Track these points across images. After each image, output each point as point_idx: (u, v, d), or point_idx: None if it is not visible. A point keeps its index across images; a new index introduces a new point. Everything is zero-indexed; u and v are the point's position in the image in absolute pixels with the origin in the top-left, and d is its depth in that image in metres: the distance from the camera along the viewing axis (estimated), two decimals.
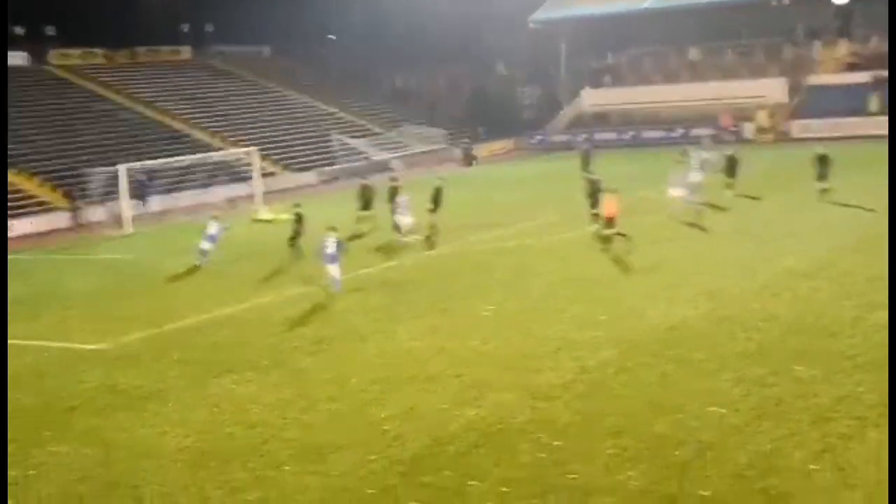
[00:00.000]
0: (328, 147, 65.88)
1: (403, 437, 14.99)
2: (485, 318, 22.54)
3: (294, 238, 32.58)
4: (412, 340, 20.97)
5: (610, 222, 30.48)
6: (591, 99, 78.35)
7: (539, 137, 76.37)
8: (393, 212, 35.41)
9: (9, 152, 53.55)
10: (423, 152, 68.59)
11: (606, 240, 30.48)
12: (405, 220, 34.41)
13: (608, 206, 30.71)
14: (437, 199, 36.58)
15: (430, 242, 34.06)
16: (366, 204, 39.02)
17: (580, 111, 78.57)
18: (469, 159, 68.09)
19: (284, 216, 42.35)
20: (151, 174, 51.37)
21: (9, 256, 39.27)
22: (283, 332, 22.74)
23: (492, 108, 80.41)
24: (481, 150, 71.45)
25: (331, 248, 26.38)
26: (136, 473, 14.40)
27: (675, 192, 36.16)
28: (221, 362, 20.32)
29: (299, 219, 32.97)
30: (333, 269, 26.45)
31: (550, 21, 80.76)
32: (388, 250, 33.21)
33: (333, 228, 26.94)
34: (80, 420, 17.12)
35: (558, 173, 55.19)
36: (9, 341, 23.44)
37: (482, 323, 22.12)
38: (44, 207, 50.40)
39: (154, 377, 19.61)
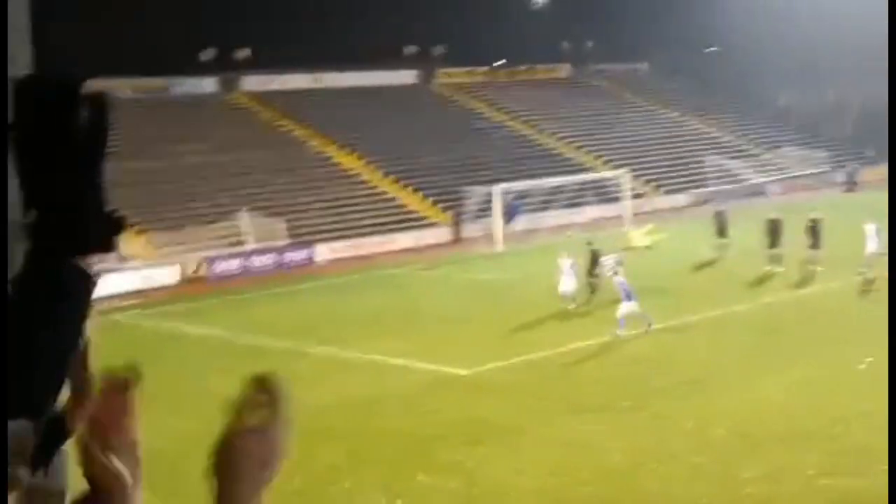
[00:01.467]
0: (701, 168, 64.56)
1: (767, 502, 14.25)
2: (861, 372, 21.04)
3: (590, 273, 30.95)
4: (782, 392, 19.95)
5: None
6: None
7: None
8: (772, 245, 34.26)
9: (396, 169, 56.89)
10: (802, 176, 65.56)
11: None
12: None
13: None
14: (815, 233, 34.67)
15: (805, 279, 32.40)
16: (721, 231, 38.47)
17: None
18: (852, 185, 64.27)
19: (653, 239, 42.07)
20: (519, 195, 52.37)
21: (388, 271, 41.51)
22: (641, 371, 22.37)
23: (884, 130, 75.34)
24: (867, 173, 67.20)
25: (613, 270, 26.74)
26: None
27: None
28: (577, 400, 20.30)
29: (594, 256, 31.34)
30: (627, 307, 25.70)
31: None
32: (758, 284, 31.93)
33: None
34: (445, 450, 17.66)
35: None
36: (376, 356, 24.70)
37: (859, 377, 20.66)
38: (424, 223, 52.94)
39: (513, 410, 19.91)
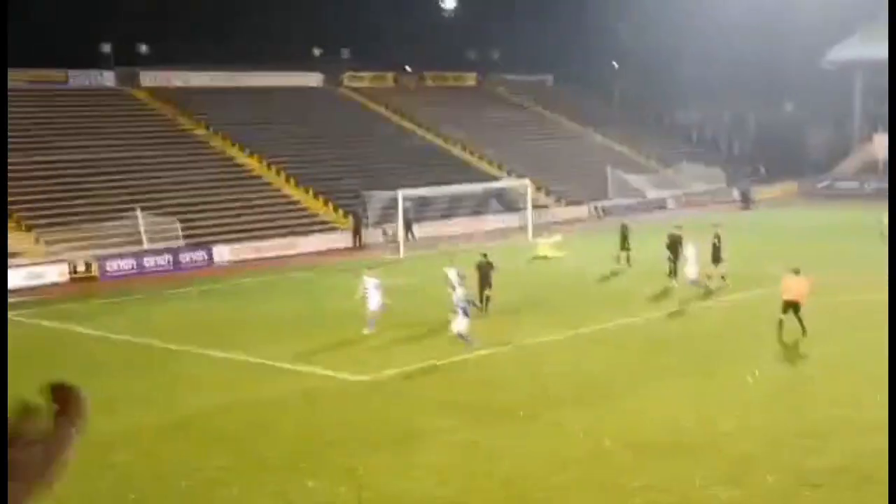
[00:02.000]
0: (602, 181, 65.40)
1: None
2: (751, 386, 21.40)
3: (481, 289, 30.29)
4: (672, 404, 20.17)
5: None
6: (885, 144, 74.00)
7: (825, 182, 72.83)
8: (673, 260, 34.49)
9: (299, 172, 56.38)
10: (700, 193, 66.89)
11: None
12: (692, 269, 33.41)
13: None
14: (717, 249, 35.10)
15: (706, 293, 32.93)
16: (623, 242, 39.12)
17: (872, 157, 74.35)
18: (747, 202, 65.72)
19: (560, 253, 42.39)
20: (421, 203, 52.25)
21: (289, 274, 41.07)
22: (544, 379, 22.44)
23: (775, 148, 77.49)
24: (761, 192, 68.87)
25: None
26: None
27: None
28: (481, 407, 20.26)
29: (483, 269, 30.73)
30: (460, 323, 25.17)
31: (847, 62, 76.90)
32: (658, 299, 32.40)
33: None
34: (338, 456, 17.43)
35: (847, 224, 52.02)
36: (275, 361, 24.40)
37: (748, 391, 21.01)
38: (327, 227, 52.52)
39: (409, 416, 19.78)
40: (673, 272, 34.43)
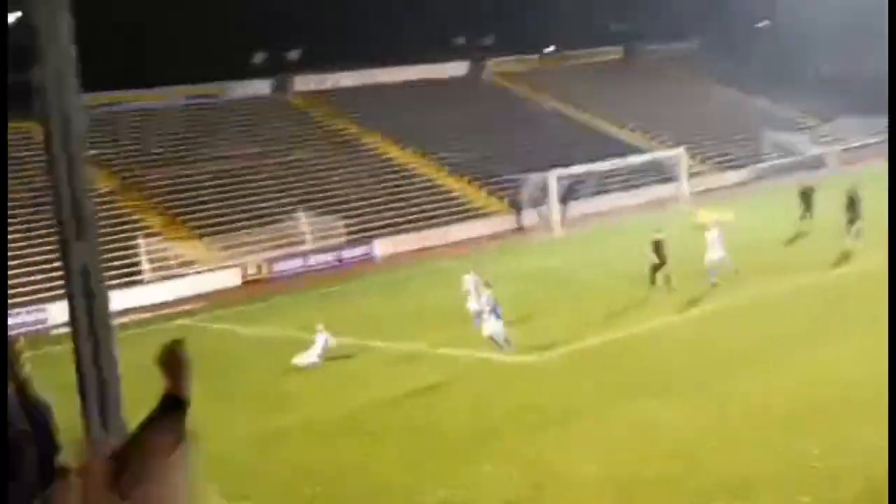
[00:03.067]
0: (757, 144, 63.89)
1: (836, 476, 14.12)
2: None
3: (656, 268, 29.71)
4: (840, 362, 19.76)
5: None
6: None
7: None
8: (852, 220, 32.71)
9: (452, 161, 57.06)
10: (862, 146, 64.54)
11: None
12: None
13: None
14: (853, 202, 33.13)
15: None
16: (807, 208, 37.74)
17: None
18: None
19: (727, 216, 41.07)
20: (575, 181, 52.25)
21: (448, 263, 41.63)
22: (700, 352, 22.25)
23: None
24: None
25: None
26: (562, 501, 14.67)
27: None
28: (637, 384, 20.26)
29: (658, 247, 29.98)
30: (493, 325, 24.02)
31: None
32: (836, 260, 31.43)
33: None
34: (508, 439, 17.72)
35: None
36: (441, 349, 24.91)
37: None
38: (482, 213, 53.02)
39: (575, 396, 19.93)
40: (855, 230, 32.68)
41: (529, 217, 50.87)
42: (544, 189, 49.22)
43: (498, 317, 24.09)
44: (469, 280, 27.57)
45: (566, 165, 51.13)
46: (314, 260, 45.82)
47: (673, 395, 18.99)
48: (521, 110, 67.34)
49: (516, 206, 52.05)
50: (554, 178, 48.41)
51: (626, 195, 53.75)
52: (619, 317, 26.90)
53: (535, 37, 77.50)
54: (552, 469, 15.97)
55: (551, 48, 79.48)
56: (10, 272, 40.61)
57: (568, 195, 51.46)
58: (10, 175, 45.33)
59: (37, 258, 39.42)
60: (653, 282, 29.41)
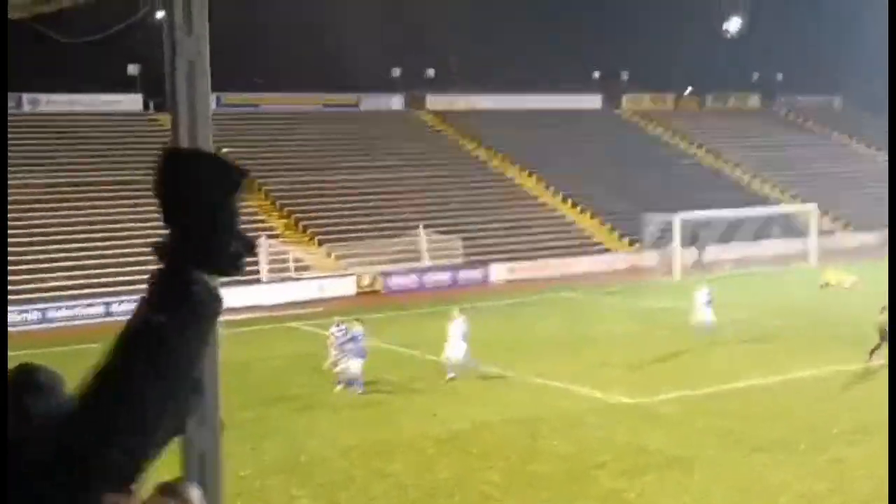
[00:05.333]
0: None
1: None
2: None
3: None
4: None
5: None
6: None
7: None
8: None
9: (576, 193, 56.74)
10: None
11: None
12: None
13: None
14: None
15: None
16: None
17: None
18: None
19: (848, 279, 39.80)
20: (705, 226, 51.40)
21: (562, 294, 41.30)
22: (822, 412, 21.51)
23: None
24: None
25: None
26: None
27: None
28: (753, 437, 19.68)
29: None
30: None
31: None
32: None
33: None
34: (606, 477, 17.43)
35: None
36: (544, 380, 24.66)
37: None
38: (601, 248, 52.56)
39: (682, 442, 19.48)
40: None
41: (650, 258, 50.16)
42: (668, 231, 48.49)
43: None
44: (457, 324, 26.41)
45: (693, 209, 50.30)
46: (429, 278, 45.98)
47: (790, 454, 18.37)
48: (652, 149, 66.60)
49: (638, 246, 51.40)
50: (678, 221, 47.66)
51: (752, 246, 52.52)
52: (737, 366, 26.22)
53: (673, 76, 76.70)
54: None
55: (689, 89, 78.54)
56: (130, 261, 41.73)
57: (692, 240, 50.58)
58: (138, 163, 46.82)
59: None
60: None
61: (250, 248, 1.99)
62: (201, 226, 1.91)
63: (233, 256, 1.94)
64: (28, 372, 3.48)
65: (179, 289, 1.88)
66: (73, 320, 37.86)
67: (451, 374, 25.51)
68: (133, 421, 1.85)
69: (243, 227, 1.99)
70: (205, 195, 1.92)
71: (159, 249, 1.92)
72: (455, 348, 25.67)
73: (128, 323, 1.93)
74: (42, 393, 3.39)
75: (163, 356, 1.86)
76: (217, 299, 1.95)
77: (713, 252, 51.46)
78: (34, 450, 1.95)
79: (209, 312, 1.93)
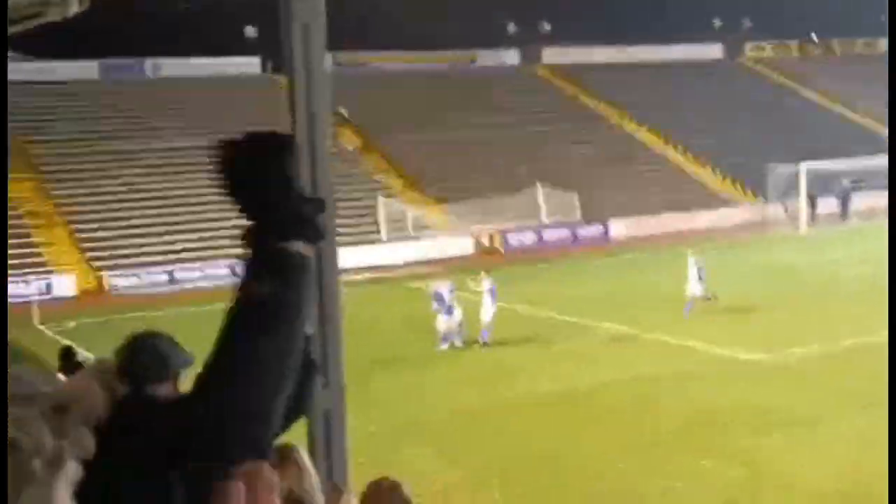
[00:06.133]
0: None
1: None
2: None
3: None
4: None
5: None
6: None
7: None
8: None
9: (697, 146, 55.62)
10: None
11: None
12: None
13: None
14: None
15: None
16: None
17: None
18: None
19: None
20: (854, 178, 49.83)
21: (684, 250, 40.54)
22: None
23: None
24: None
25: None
26: None
27: None
28: (881, 395, 19.03)
29: None
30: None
31: None
32: None
33: None
34: (731, 436, 17.11)
35: None
36: (666, 337, 24.30)
37: None
38: (725, 202, 51.49)
39: (808, 400, 19.00)
40: None
41: (775, 210, 48.91)
42: (793, 182, 47.16)
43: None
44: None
45: (818, 159, 48.80)
46: (548, 235, 45.73)
47: None
48: (776, 98, 64.73)
49: (761, 198, 50.17)
50: (804, 172, 46.29)
51: (883, 196, 50.75)
52: (861, 322, 25.40)
53: (796, 23, 74.31)
54: (774, 473, 15.28)
55: (812, 35, 76.01)
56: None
57: (819, 190, 49.11)
58: (258, 125, 47.41)
59: None
60: None
61: (321, 207, 2.17)
62: (276, 200, 2.09)
63: (310, 221, 2.12)
64: (147, 338, 3.50)
65: (275, 261, 2.05)
66: (199, 282, 38.78)
67: (482, 340, 25.33)
68: (258, 390, 1.99)
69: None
70: (272, 172, 2.11)
71: (246, 232, 2.11)
72: (487, 311, 25.51)
73: (234, 300, 2.10)
74: (162, 362, 3.40)
75: (272, 324, 2.01)
76: (308, 265, 2.10)
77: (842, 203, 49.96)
78: (162, 427, 2.07)
79: (304, 279, 2.09)
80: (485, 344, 25.02)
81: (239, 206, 2.14)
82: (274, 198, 2.09)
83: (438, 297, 25.11)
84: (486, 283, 25.81)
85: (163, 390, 3.26)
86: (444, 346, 24.91)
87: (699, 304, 27.28)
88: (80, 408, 1.23)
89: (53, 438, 1.17)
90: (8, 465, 1.13)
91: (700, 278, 27.68)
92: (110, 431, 1.66)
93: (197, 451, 1.95)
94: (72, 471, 1.21)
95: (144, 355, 3.37)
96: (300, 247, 2.08)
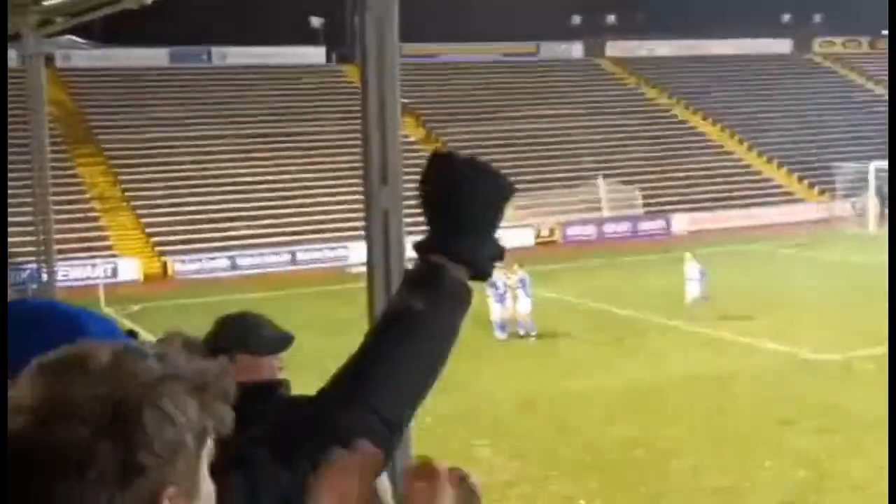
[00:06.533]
0: None
1: None
2: None
3: None
4: None
5: None
6: None
7: None
8: None
9: (762, 141, 54.91)
10: None
11: None
12: None
13: None
14: None
15: None
16: None
17: None
18: None
19: None
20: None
21: (748, 246, 40.11)
22: None
23: None
24: None
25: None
26: None
27: None
28: None
29: None
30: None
31: None
32: None
33: None
34: (797, 437, 16.87)
35: None
36: (730, 334, 24.02)
37: None
38: (790, 198, 50.80)
39: (874, 401, 18.62)
40: None
41: (843, 209, 48.13)
42: (863, 180, 46.35)
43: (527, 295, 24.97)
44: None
45: (888, 157, 47.97)
46: (609, 228, 45.45)
47: None
48: (846, 95, 63.69)
49: (829, 196, 49.40)
50: (874, 170, 45.47)
51: None
52: None
53: (868, 18, 72.97)
54: (841, 475, 15.05)
55: (884, 31, 74.55)
56: (313, 210, 42.90)
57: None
58: (325, 115, 47.79)
59: (342, 198, 41.10)
60: None
61: (502, 254, 2.15)
62: (471, 229, 2.09)
63: (488, 260, 2.12)
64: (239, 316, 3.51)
65: (440, 282, 2.06)
66: (260, 268, 39.11)
67: (522, 331, 25.29)
68: (392, 394, 2.04)
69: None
70: (479, 203, 2.10)
71: (421, 244, 2.11)
72: (522, 304, 25.38)
73: (388, 306, 2.19)
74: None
75: (420, 340, 2.06)
76: (470, 295, 2.11)
77: None
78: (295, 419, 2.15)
79: (463, 306, 2.11)
80: (526, 335, 24.94)
81: (428, 216, 2.15)
82: (466, 226, 2.09)
83: (492, 285, 25.00)
84: (519, 275, 25.55)
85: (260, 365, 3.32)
86: (502, 335, 24.86)
87: (701, 306, 26.63)
88: (218, 387, 1.30)
89: (199, 414, 1.25)
90: (165, 438, 1.21)
91: (701, 279, 26.86)
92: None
93: (320, 447, 1.98)
94: (209, 447, 1.29)
95: (237, 329, 3.44)
96: (463, 275, 2.08)
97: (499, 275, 25.45)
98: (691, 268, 27.23)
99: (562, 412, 18.64)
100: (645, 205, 47.48)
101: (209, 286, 34.99)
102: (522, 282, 25.43)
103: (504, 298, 25.07)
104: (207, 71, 54.96)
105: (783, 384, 20.16)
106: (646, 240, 44.08)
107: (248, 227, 42.47)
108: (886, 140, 54.56)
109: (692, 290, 26.76)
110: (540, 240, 43.82)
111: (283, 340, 3.51)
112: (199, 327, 3.49)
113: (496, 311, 25.00)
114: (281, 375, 3.39)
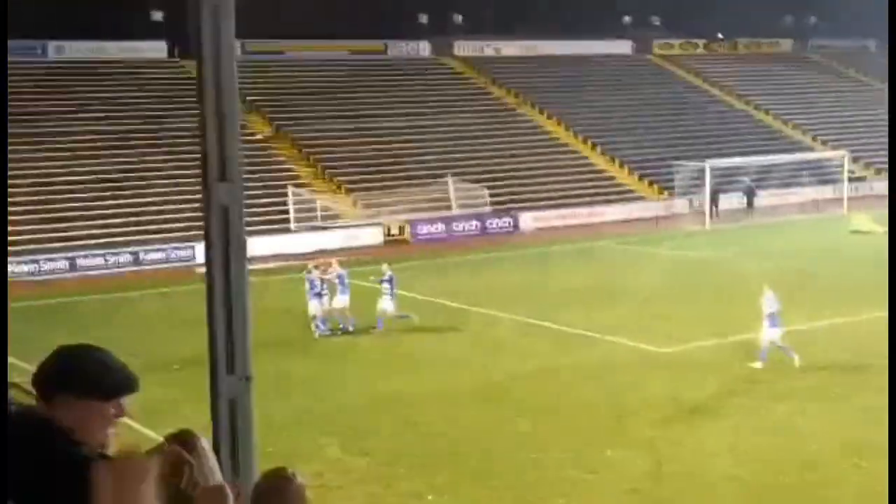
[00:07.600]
0: None
1: None
2: None
3: None
4: None
5: None
6: None
7: None
8: None
9: (605, 140, 56.25)
10: None
11: None
12: None
13: None
14: None
15: None
16: None
17: None
18: None
19: (881, 229, 39.42)
20: (755, 175, 50.84)
21: (592, 243, 41.05)
22: (858, 359, 21.23)
23: None
24: None
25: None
26: (683, 494, 14.29)
27: None
28: (784, 385, 19.54)
29: None
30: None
31: None
32: None
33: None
34: (637, 427, 17.35)
35: None
36: (573, 329, 24.54)
37: None
38: (632, 196, 52.14)
39: (711, 391, 19.37)
40: None
41: (680, 206, 49.74)
42: (698, 178, 47.99)
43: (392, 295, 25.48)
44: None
45: (723, 156, 49.81)
46: (457, 226, 45.81)
47: (820, 403, 18.22)
48: (683, 95, 65.76)
49: (668, 194, 50.96)
50: (709, 168, 47.16)
51: (783, 193, 52.03)
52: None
53: (705, 21, 75.61)
54: (679, 461, 15.56)
55: (719, 35, 77.40)
56: (163, 209, 41.94)
57: (722, 187, 50.06)
58: (167, 111, 46.80)
59: (189, 196, 40.24)
60: None
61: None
62: None
63: None
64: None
65: None
66: (101, 269, 37.98)
67: (342, 326, 25.67)
68: None
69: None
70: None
71: None
72: (339, 299, 25.69)
73: None
74: None
75: None
76: None
77: (745, 199, 51.01)
78: None
79: None
80: (344, 331, 25.38)
81: None
82: None
83: (309, 282, 25.41)
84: (337, 272, 26.08)
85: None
86: (323, 331, 25.20)
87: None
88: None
89: None
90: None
91: (392, 295, 26.13)
92: None
93: None
94: None
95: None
96: None
97: (316, 273, 25.61)
98: (385, 282, 26.16)
99: (409, 409, 18.71)
100: (493, 203, 48.02)
101: (47, 287, 33.91)
102: (340, 278, 25.86)
103: (321, 295, 25.35)
104: (43, 65, 53.06)
105: (625, 376, 20.71)
106: (494, 237, 44.61)
107: (88, 227, 41.23)
108: (721, 140, 56.74)
109: (385, 306, 25.91)
110: (389, 238, 43.84)
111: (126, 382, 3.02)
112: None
113: (313, 307, 25.34)
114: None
